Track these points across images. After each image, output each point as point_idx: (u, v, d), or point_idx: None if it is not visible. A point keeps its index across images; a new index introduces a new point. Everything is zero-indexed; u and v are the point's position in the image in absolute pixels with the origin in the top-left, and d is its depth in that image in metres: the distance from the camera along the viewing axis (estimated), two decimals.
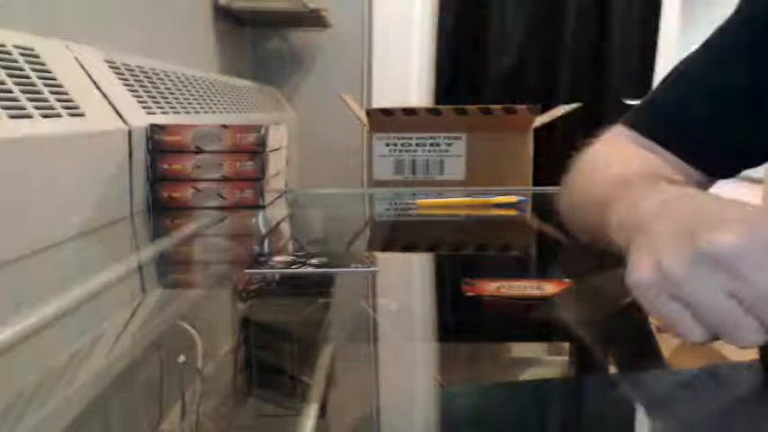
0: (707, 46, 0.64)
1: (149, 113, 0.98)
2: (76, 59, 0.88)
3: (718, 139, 0.62)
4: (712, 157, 0.63)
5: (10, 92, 0.68)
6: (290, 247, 0.81)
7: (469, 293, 0.53)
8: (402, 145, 1.21)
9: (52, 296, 0.50)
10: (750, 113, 0.60)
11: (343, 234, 0.88)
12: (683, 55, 0.67)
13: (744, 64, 0.60)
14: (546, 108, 1.34)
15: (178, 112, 1.11)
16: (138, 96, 0.99)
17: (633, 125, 0.65)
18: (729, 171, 0.64)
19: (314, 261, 0.59)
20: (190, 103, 1.22)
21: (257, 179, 0.91)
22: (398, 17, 2.34)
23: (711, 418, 0.42)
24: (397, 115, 1.21)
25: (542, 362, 0.51)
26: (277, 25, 2.30)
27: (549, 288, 0.54)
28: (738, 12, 0.62)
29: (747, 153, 0.63)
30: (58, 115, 0.74)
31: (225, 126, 0.91)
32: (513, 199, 0.99)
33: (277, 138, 1.02)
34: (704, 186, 0.64)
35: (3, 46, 0.72)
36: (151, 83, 1.09)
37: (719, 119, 0.62)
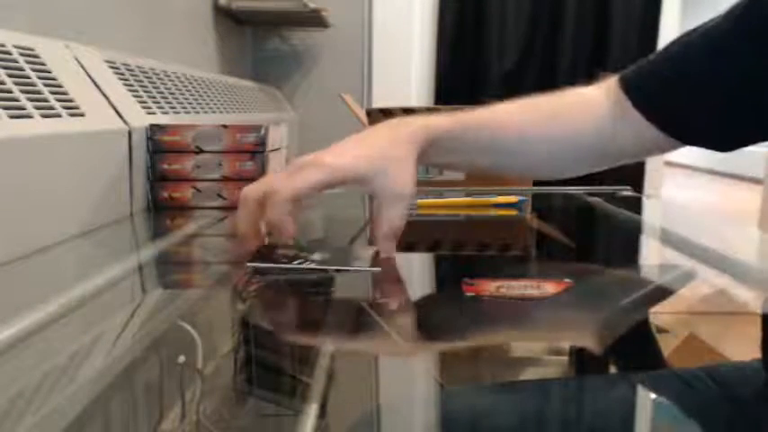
0: (707, 23, 0.64)
1: (149, 113, 0.98)
2: (76, 59, 0.88)
3: (707, 112, 0.63)
4: (701, 129, 0.64)
5: (10, 92, 0.68)
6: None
7: (469, 293, 0.53)
8: None
9: (52, 296, 0.50)
10: (745, 93, 0.60)
11: (344, 234, 0.88)
12: None
13: (741, 44, 0.60)
14: None
15: (178, 112, 1.11)
16: (138, 96, 0.99)
17: (623, 85, 0.68)
18: (724, 146, 0.65)
19: (317, 257, 0.59)
20: (190, 103, 1.22)
21: (257, 179, 0.91)
22: (398, 17, 2.34)
23: (711, 418, 0.42)
24: (396, 115, 1.20)
25: (542, 362, 0.51)
26: (277, 25, 2.30)
27: (549, 288, 0.54)
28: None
29: (741, 129, 0.63)
30: (58, 115, 0.74)
31: (225, 126, 0.91)
32: (513, 199, 0.99)
33: (277, 138, 1.02)
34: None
35: (3, 46, 0.72)
36: (151, 83, 1.09)
37: (711, 92, 0.62)
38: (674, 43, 0.67)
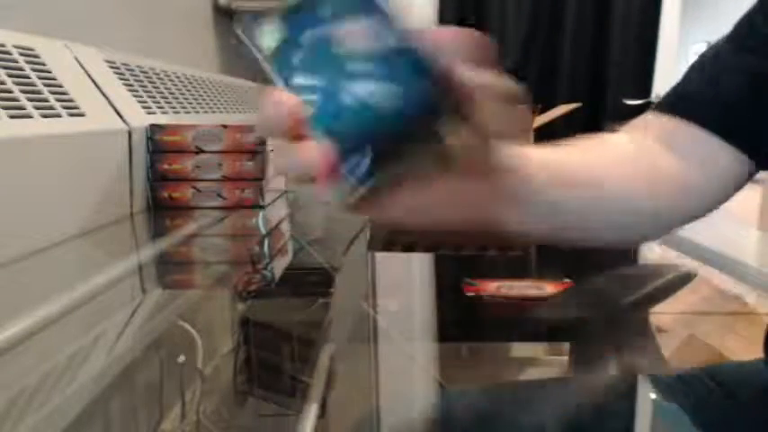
0: (733, 32, 0.64)
1: (149, 113, 0.98)
2: (76, 59, 0.88)
3: (752, 117, 0.61)
4: (749, 133, 0.61)
5: (10, 92, 0.68)
6: (290, 246, 0.81)
7: (469, 293, 0.53)
8: None
9: (53, 296, 0.50)
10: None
11: (344, 234, 0.88)
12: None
13: None
14: (546, 108, 1.33)
15: (178, 112, 1.11)
16: (138, 96, 0.99)
17: (667, 109, 0.64)
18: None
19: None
20: (190, 103, 1.22)
21: (257, 179, 0.91)
22: None
23: (712, 418, 0.42)
24: None
25: (542, 362, 0.51)
26: None
27: (549, 288, 0.54)
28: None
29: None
30: (58, 115, 0.74)
31: (225, 126, 0.91)
32: None
33: None
34: (746, 173, 0.61)
35: (3, 46, 0.72)
36: (151, 83, 1.09)
37: (750, 96, 0.61)
38: (696, 61, 0.65)
